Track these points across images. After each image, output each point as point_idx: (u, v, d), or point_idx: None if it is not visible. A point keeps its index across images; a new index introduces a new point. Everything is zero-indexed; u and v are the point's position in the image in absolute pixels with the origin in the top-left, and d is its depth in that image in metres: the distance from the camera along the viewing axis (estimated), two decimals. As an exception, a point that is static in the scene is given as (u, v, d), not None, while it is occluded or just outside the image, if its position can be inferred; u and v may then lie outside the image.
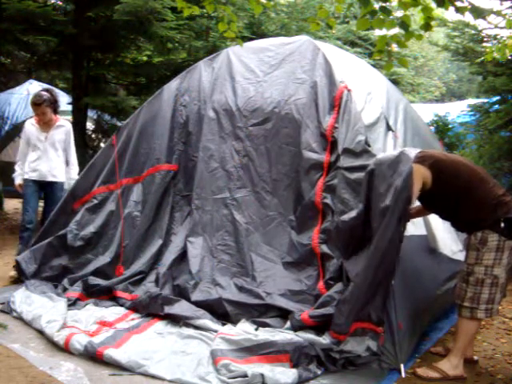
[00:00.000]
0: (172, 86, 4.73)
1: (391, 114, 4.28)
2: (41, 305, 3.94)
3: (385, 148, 3.94)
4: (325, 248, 3.72)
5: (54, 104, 5.03)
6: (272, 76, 4.35)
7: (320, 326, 3.41)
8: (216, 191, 4.25)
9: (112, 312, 3.92)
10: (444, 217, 3.45)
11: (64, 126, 5.13)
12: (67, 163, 5.17)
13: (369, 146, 3.71)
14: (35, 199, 5.10)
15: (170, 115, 4.59)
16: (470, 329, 3.18)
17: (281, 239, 3.99)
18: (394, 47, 3.22)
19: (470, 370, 3.32)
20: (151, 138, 4.61)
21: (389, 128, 4.10)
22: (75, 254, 4.47)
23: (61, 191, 5.09)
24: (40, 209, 5.25)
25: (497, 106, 7.66)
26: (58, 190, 5.09)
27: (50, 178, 5.04)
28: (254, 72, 4.44)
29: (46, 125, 5.04)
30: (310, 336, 3.30)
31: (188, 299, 3.84)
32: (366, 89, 4.24)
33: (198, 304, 3.79)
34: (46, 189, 5.11)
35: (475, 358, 3.41)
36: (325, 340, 3.27)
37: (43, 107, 4.93)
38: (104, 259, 4.40)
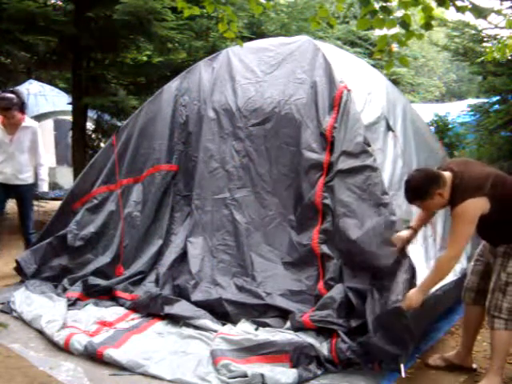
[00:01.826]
0: (172, 86, 4.73)
1: (391, 113, 4.28)
2: (41, 305, 3.95)
3: (385, 148, 3.94)
4: (325, 248, 3.71)
5: (22, 106, 4.89)
6: (272, 76, 4.35)
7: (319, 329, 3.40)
8: (216, 191, 4.25)
9: (112, 312, 3.92)
10: (489, 233, 3.12)
11: (31, 126, 4.97)
12: (36, 164, 5.02)
13: (369, 145, 3.70)
14: (1, 201, 5.01)
15: (170, 115, 4.59)
16: (506, 341, 3.02)
17: (281, 239, 3.98)
18: (395, 47, 3.22)
19: (470, 370, 3.31)
20: (151, 138, 4.61)
21: (389, 128, 4.10)
22: (75, 253, 4.47)
23: (30, 193, 5.03)
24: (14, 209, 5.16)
25: (497, 106, 7.68)
26: (26, 193, 5.00)
27: (16, 182, 4.93)
28: (253, 72, 4.44)
29: (12, 126, 4.87)
30: (310, 340, 3.28)
31: (188, 299, 3.84)
32: (366, 89, 4.24)
33: (198, 304, 3.78)
34: (14, 191, 5.00)
35: (474, 366, 3.37)
36: (325, 351, 3.25)
37: (12, 111, 4.78)
38: (104, 259, 4.40)
